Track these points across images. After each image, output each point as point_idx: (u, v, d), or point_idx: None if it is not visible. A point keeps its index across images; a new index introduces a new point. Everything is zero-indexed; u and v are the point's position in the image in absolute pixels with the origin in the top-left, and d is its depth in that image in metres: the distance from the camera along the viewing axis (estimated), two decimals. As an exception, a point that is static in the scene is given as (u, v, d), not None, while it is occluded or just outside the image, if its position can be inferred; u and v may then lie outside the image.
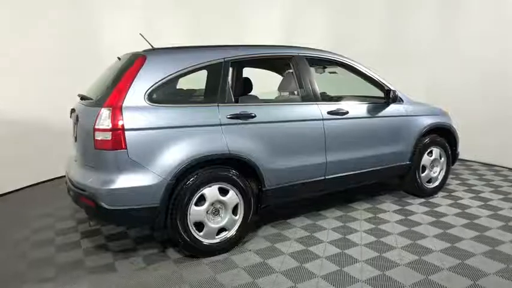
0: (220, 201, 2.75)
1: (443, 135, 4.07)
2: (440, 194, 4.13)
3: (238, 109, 2.81)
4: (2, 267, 2.72)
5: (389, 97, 3.52)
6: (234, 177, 2.77)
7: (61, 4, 4.82)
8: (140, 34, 3.11)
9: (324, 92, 4.55)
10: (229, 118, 2.75)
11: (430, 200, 3.93)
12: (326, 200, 3.94)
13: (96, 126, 2.44)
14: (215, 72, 2.83)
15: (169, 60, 2.70)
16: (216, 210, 2.76)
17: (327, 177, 3.25)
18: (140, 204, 2.47)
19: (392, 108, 3.64)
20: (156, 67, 2.63)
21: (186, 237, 2.63)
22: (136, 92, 2.52)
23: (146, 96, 2.53)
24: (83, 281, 2.48)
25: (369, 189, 4.27)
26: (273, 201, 3.08)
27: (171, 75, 2.65)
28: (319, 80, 4.46)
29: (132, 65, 2.62)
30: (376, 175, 3.64)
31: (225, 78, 2.83)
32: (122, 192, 2.43)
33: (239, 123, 2.78)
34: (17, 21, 4.39)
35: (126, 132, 2.42)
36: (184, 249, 2.74)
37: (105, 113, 2.44)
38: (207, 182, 2.68)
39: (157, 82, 2.59)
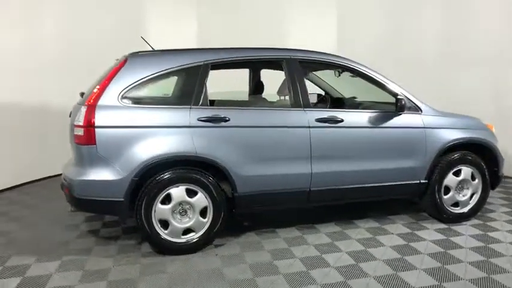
0: (188, 202, 2.78)
1: (480, 153, 3.45)
2: (473, 221, 3.51)
3: (210, 112, 2.80)
4: (5, 237, 3.19)
5: (397, 106, 3.11)
6: (202, 179, 2.78)
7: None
8: (141, 37, 3.31)
9: (354, 97, 4.24)
10: (200, 120, 2.76)
11: (453, 227, 3.37)
12: (329, 213, 3.68)
13: (75, 123, 2.69)
14: (192, 75, 2.86)
15: (147, 63, 2.82)
16: (184, 210, 2.80)
17: (312, 189, 3.03)
18: (105, 196, 2.65)
19: (405, 119, 3.21)
20: (133, 69, 2.77)
21: (151, 234, 2.73)
22: (112, 92, 2.69)
23: (120, 97, 2.69)
24: (56, 260, 2.76)
25: (386, 207, 3.85)
26: (248, 207, 3.00)
27: (146, 77, 2.77)
28: (349, 84, 4.18)
29: (115, 66, 2.81)
30: (377, 192, 3.27)
31: (202, 81, 2.85)
32: (88, 184, 2.63)
33: (210, 126, 2.77)
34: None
35: (97, 129, 2.61)
36: (151, 245, 2.85)
37: (83, 110, 2.67)
38: (174, 182, 2.73)
39: (132, 84, 2.73)
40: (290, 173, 2.96)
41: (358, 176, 3.12)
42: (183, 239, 2.82)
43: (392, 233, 3.24)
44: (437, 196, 3.35)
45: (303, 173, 2.98)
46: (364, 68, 3.24)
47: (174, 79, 3.16)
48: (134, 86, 2.74)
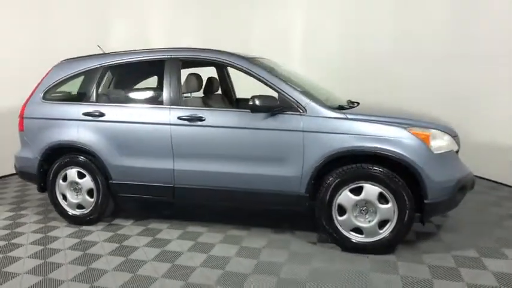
0: (78, 183, 3.37)
1: (404, 172, 2.64)
2: (392, 256, 2.71)
3: (93, 108, 3.27)
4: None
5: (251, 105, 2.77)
6: (91, 165, 3.29)
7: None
8: (98, 46, 4.03)
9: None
10: (84, 115, 3.28)
11: (351, 256, 2.71)
12: (215, 215, 3.60)
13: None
14: (91, 76, 3.40)
15: (65, 67, 3.50)
16: (77, 189, 3.41)
17: (176, 185, 3.09)
18: (27, 170, 3.54)
19: (276, 120, 2.80)
20: (55, 73, 3.53)
21: (56, 203, 3.47)
22: (39, 91, 3.54)
23: (42, 95, 3.50)
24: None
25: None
26: (120, 194, 3.32)
27: (60, 79, 3.49)
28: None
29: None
30: (248, 198, 2.98)
31: (96, 81, 3.35)
32: (19, 160, 3.59)
33: (90, 120, 3.26)
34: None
35: (24, 120, 3.52)
36: (58, 213, 3.55)
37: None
38: (68, 165, 3.38)
39: (51, 84, 3.50)
40: (155, 168, 3.12)
41: (222, 178, 2.96)
42: (78, 212, 3.43)
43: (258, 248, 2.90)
44: (324, 215, 2.77)
45: (166, 169, 3.08)
46: (248, 66, 2.98)
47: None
48: (52, 86, 3.51)
